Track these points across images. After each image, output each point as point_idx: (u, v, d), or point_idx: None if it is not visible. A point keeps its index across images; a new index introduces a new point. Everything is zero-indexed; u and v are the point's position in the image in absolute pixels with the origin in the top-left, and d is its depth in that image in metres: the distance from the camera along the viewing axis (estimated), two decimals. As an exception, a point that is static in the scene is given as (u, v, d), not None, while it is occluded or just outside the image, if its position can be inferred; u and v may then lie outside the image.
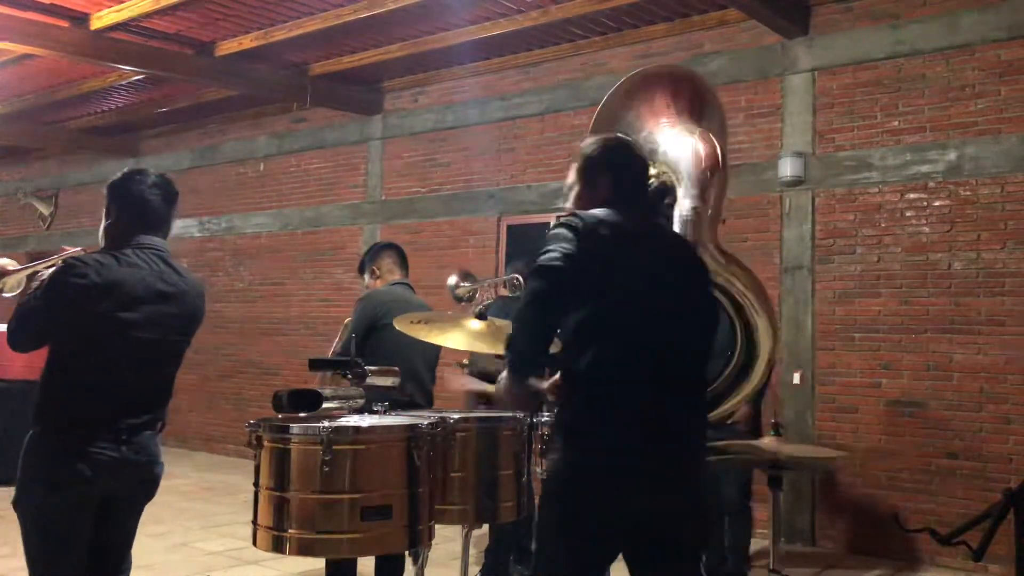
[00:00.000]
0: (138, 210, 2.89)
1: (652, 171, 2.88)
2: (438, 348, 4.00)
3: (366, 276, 4.41)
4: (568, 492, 2.33)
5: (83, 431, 2.71)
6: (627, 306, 2.31)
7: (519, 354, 2.30)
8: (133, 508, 2.93)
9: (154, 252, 2.86)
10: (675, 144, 2.94)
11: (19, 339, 2.74)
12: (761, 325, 2.85)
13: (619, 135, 2.67)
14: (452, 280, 4.83)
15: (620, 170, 2.52)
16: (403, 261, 4.43)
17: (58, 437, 2.72)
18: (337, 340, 4.41)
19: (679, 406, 2.34)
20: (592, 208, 2.44)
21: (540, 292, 2.27)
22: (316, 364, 3.49)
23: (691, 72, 3.42)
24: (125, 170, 2.99)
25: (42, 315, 2.72)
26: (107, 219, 2.91)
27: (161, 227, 2.93)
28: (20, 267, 2.99)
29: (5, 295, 3.05)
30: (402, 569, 3.88)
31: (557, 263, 2.25)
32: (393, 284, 4.31)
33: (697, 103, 3.11)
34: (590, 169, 2.54)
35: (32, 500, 2.73)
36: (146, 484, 2.90)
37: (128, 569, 2.98)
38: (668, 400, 2.31)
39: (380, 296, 4.20)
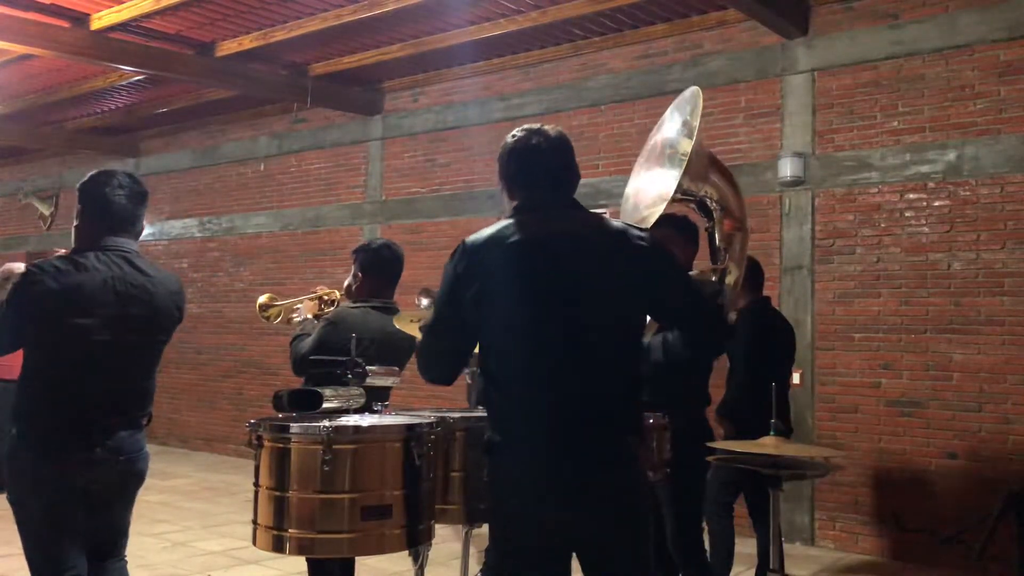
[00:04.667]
0: (103, 211, 2.90)
1: (700, 192, 3.21)
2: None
3: (349, 276, 3.94)
4: (494, 510, 2.40)
5: (54, 433, 2.74)
6: (513, 321, 2.26)
7: (426, 377, 2.48)
8: (118, 501, 2.95)
9: (118, 254, 2.86)
10: (722, 182, 3.42)
11: None
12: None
13: (532, 127, 2.41)
14: (424, 302, 4.81)
15: (522, 174, 2.38)
16: (394, 275, 3.88)
17: (32, 438, 2.77)
18: (302, 333, 3.88)
19: (578, 413, 2.23)
20: (509, 209, 2.39)
21: (426, 325, 2.44)
22: (317, 363, 3.49)
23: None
24: (93, 172, 3.00)
25: (8, 322, 2.76)
26: (76, 220, 2.94)
27: (128, 228, 2.93)
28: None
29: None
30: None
31: (440, 301, 2.38)
32: (371, 307, 3.74)
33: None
34: (500, 171, 2.43)
35: (17, 498, 2.80)
36: (129, 479, 2.92)
37: (120, 553, 2.99)
38: (565, 410, 2.23)
39: (349, 323, 3.59)
